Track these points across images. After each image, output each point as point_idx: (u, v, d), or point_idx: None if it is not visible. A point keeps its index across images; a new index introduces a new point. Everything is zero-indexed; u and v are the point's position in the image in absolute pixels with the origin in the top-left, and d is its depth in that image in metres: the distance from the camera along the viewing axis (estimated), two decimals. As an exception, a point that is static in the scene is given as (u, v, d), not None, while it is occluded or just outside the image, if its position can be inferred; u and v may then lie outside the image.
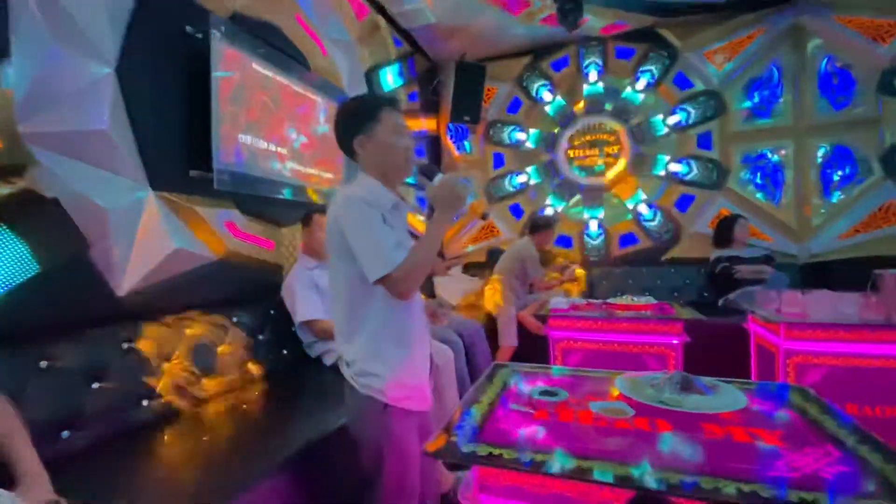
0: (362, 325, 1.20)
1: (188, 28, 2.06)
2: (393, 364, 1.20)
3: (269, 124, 2.52)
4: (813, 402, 1.14)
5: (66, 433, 1.37)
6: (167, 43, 1.97)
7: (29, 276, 1.44)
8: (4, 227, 1.39)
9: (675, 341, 2.19)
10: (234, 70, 2.24)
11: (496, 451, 0.89)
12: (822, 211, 3.78)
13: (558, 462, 0.85)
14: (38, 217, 1.50)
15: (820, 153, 3.80)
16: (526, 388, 1.27)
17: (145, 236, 1.80)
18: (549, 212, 4.53)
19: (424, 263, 1.15)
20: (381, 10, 3.71)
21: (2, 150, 1.42)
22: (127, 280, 1.76)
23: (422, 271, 1.16)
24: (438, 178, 1.22)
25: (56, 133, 1.54)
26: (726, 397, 1.09)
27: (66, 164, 1.57)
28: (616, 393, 1.18)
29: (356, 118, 1.25)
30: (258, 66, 2.42)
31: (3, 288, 1.39)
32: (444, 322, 1.62)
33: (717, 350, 2.54)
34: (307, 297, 2.22)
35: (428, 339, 1.35)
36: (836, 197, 3.75)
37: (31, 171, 1.50)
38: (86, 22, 1.61)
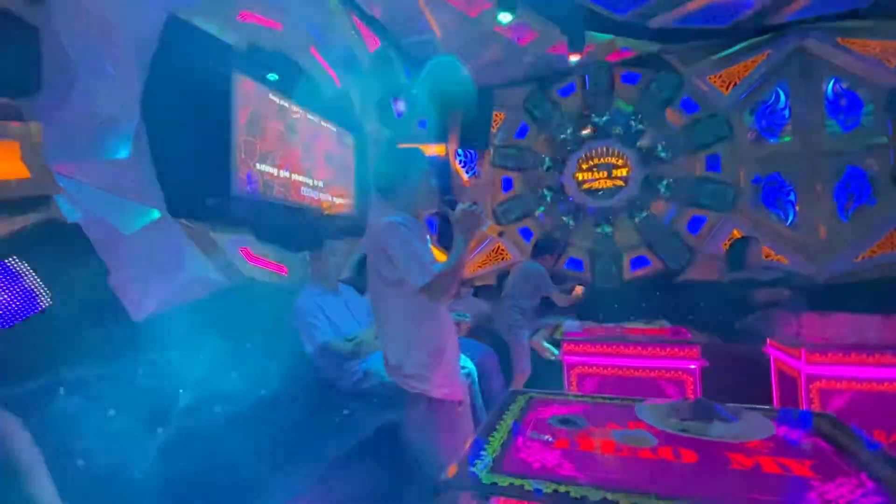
0: (408, 338, 1.46)
1: (209, 62, 2.14)
2: (434, 366, 1.46)
3: (284, 152, 2.58)
4: (841, 430, 1.10)
5: (81, 461, 1.37)
6: (188, 76, 2.04)
7: (48, 304, 1.46)
8: (25, 260, 1.43)
9: (692, 366, 2.15)
10: (251, 101, 2.31)
11: (517, 482, 0.87)
12: (838, 232, 3.73)
13: (582, 493, 0.83)
14: (60, 244, 1.54)
15: (831, 174, 3.78)
16: (544, 415, 1.25)
17: (163, 262, 1.83)
18: (557, 235, 4.53)
19: (456, 273, 1.41)
20: (392, 41, 3.82)
21: (30, 179, 1.46)
22: (145, 305, 1.78)
23: (455, 280, 1.42)
24: (459, 207, 1.47)
25: (81, 163, 1.60)
26: (753, 425, 1.06)
27: (89, 192, 1.63)
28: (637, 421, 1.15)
29: (397, 170, 1.55)
30: (274, 97, 2.49)
31: (23, 316, 1.41)
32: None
33: (736, 375, 2.48)
34: (314, 325, 2.18)
35: (458, 343, 1.59)
36: (851, 218, 3.70)
37: (56, 200, 1.54)
38: (113, 57, 1.68)
